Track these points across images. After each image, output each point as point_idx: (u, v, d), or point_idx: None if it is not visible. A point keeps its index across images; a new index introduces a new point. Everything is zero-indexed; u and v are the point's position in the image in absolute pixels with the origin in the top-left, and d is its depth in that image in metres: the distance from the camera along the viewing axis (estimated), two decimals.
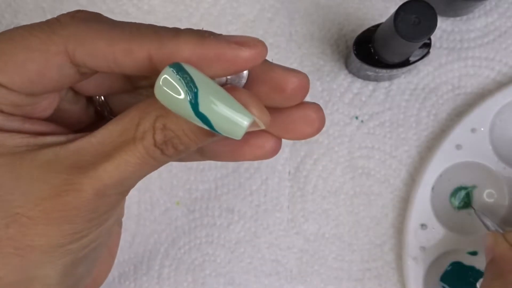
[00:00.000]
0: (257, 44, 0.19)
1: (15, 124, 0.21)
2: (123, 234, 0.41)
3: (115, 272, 0.42)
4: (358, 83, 0.41)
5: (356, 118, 0.41)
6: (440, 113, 0.40)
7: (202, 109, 0.17)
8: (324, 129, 0.23)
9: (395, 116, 0.41)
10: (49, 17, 0.44)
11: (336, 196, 0.41)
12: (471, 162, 0.39)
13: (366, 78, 0.40)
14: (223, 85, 0.20)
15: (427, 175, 0.39)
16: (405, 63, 0.36)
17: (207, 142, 0.20)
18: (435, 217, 0.39)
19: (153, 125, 0.19)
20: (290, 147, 0.41)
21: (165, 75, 0.17)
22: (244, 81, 0.21)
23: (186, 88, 0.17)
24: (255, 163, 0.41)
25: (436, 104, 0.40)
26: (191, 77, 0.17)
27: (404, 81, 0.41)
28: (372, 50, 0.36)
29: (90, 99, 0.25)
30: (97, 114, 0.25)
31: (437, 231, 0.39)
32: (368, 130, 0.41)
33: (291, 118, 0.22)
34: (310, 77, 0.22)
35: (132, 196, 0.42)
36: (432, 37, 0.34)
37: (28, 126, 0.21)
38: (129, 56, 0.19)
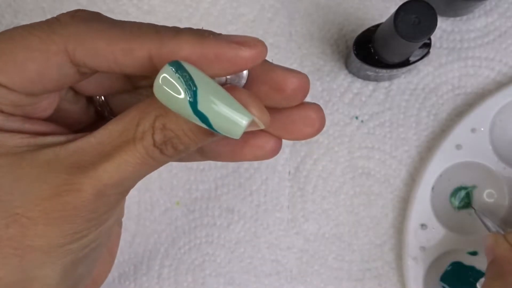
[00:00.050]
0: (257, 44, 0.19)
1: (16, 124, 0.21)
2: (123, 234, 0.41)
3: (115, 272, 0.42)
4: (358, 83, 0.41)
5: (356, 118, 0.41)
6: (440, 113, 0.40)
7: (201, 107, 0.17)
8: (324, 129, 0.23)
9: (395, 116, 0.41)
10: (49, 17, 0.44)
11: (336, 196, 0.41)
12: (471, 162, 0.39)
13: (366, 78, 0.40)
14: (222, 84, 0.20)
15: (427, 175, 0.39)
16: (405, 63, 0.36)
17: (207, 142, 0.20)
18: (435, 217, 0.39)
19: (153, 125, 0.19)
20: (290, 147, 0.41)
21: (165, 74, 0.17)
22: (244, 81, 0.21)
23: (185, 86, 0.17)
24: (255, 163, 0.41)
25: (436, 104, 0.40)
26: (190, 76, 0.17)
27: (404, 81, 0.41)
28: (372, 50, 0.36)
29: (90, 99, 0.25)
30: (98, 114, 0.25)
31: (437, 231, 0.39)
32: (368, 130, 0.41)
33: (291, 119, 0.22)
34: (310, 77, 0.22)
35: (132, 196, 0.42)
36: (432, 37, 0.34)
37: (28, 126, 0.21)
38: (129, 55, 0.19)
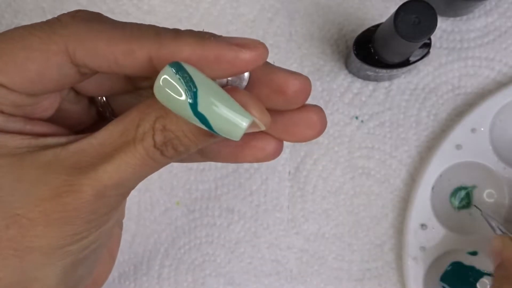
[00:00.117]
0: (258, 46, 0.19)
1: (16, 125, 0.21)
2: (123, 234, 0.41)
3: (115, 273, 0.42)
4: (358, 83, 0.41)
5: (356, 118, 0.41)
6: (440, 113, 0.40)
7: (201, 109, 0.17)
8: None
9: (395, 116, 0.41)
10: (49, 17, 0.43)
11: (336, 196, 0.41)
12: (471, 162, 0.39)
13: (366, 78, 0.40)
14: (223, 86, 0.20)
15: (427, 175, 0.39)
16: (405, 63, 0.36)
17: (207, 143, 0.20)
18: (435, 217, 0.39)
19: (153, 126, 0.19)
20: (290, 147, 0.41)
21: (165, 75, 0.17)
22: (245, 83, 0.20)
23: (185, 87, 0.17)
24: (255, 163, 0.41)
25: (436, 104, 0.40)
26: (190, 77, 0.17)
27: (404, 81, 0.41)
28: (372, 50, 0.36)
29: (92, 100, 0.25)
30: (99, 115, 0.25)
31: (437, 231, 0.39)
32: (368, 130, 0.41)
33: (292, 121, 0.22)
34: (310, 77, 0.22)
35: (132, 196, 0.42)
36: (432, 37, 0.34)
37: (29, 127, 0.21)
38: (129, 56, 0.19)
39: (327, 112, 0.41)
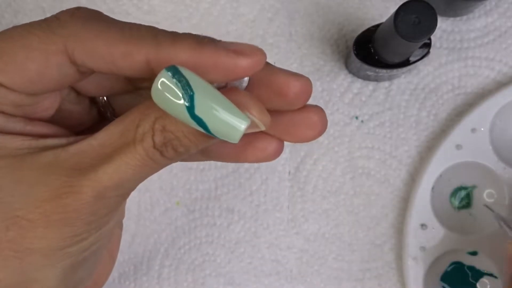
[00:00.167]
0: (255, 52, 0.19)
1: (17, 125, 0.20)
2: (123, 235, 0.41)
3: (115, 273, 0.42)
4: (358, 83, 0.41)
5: (356, 118, 0.41)
6: (440, 113, 0.40)
7: (198, 112, 0.17)
8: None
9: (395, 116, 0.41)
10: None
11: (336, 196, 0.41)
12: (471, 162, 0.39)
13: (366, 78, 0.40)
14: (223, 87, 0.20)
15: (427, 175, 0.39)
16: (405, 63, 0.36)
17: (208, 145, 0.20)
18: (435, 217, 0.39)
19: (152, 127, 0.19)
20: (290, 147, 0.41)
21: (162, 78, 0.17)
22: (245, 84, 0.20)
23: (182, 91, 0.17)
24: (255, 163, 0.41)
25: (436, 104, 0.40)
26: (187, 80, 0.17)
27: (404, 81, 0.41)
28: (372, 50, 0.36)
29: (93, 100, 0.25)
30: (100, 115, 0.25)
31: (437, 231, 0.39)
32: (368, 130, 0.41)
33: (293, 121, 0.22)
34: (310, 77, 0.22)
35: (132, 197, 0.42)
36: (432, 37, 0.34)
37: (30, 127, 0.21)
38: (127, 58, 0.19)
39: (327, 112, 0.40)
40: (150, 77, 0.19)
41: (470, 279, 0.40)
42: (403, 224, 0.40)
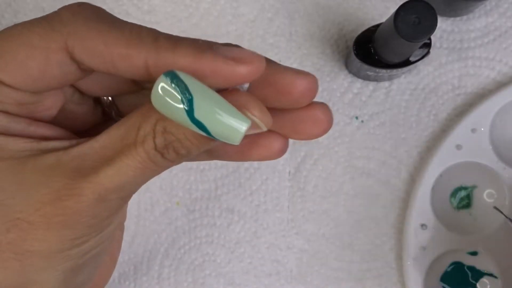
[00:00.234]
0: (254, 60, 0.18)
1: (20, 126, 0.20)
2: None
3: (115, 273, 0.42)
4: (358, 83, 0.41)
5: (356, 118, 0.41)
6: (440, 113, 0.40)
7: (197, 115, 0.17)
8: None
9: (395, 116, 0.41)
10: None
11: (336, 196, 0.41)
12: (471, 162, 0.39)
13: (366, 78, 0.40)
14: (223, 89, 0.19)
15: (427, 175, 0.39)
16: (405, 63, 0.36)
17: (209, 147, 0.20)
18: (435, 217, 0.39)
19: (153, 129, 0.19)
20: (290, 147, 0.41)
21: (160, 84, 0.17)
22: (246, 86, 0.20)
23: (181, 95, 0.17)
24: (255, 163, 0.41)
25: (436, 104, 0.40)
26: (185, 85, 0.17)
27: (404, 81, 0.41)
28: (372, 50, 0.36)
29: (97, 100, 0.25)
30: (105, 115, 0.25)
31: (437, 231, 0.39)
32: (368, 130, 0.41)
33: (298, 119, 0.21)
34: None
35: (132, 197, 0.42)
36: (432, 37, 0.34)
37: (33, 128, 0.21)
38: (126, 60, 0.19)
39: None
40: (147, 80, 0.19)
41: (470, 279, 0.40)
42: (403, 224, 0.40)
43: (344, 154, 0.41)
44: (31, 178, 0.19)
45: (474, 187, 0.40)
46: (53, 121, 0.22)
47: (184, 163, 0.41)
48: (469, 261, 0.39)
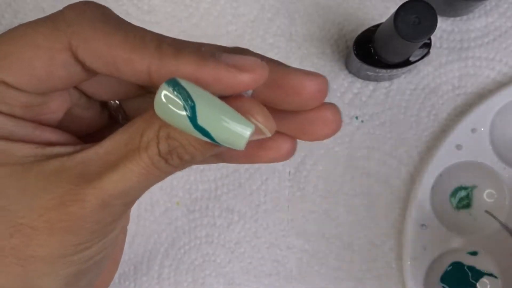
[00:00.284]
0: (256, 67, 0.18)
1: (26, 130, 0.20)
2: None
3: None
4: (358, 83, 0.41)
5: (356, 118, 0.41)
6: (440, 113, 0.40)
7: (200, 122, 0.17)
8: None
9: (395, 116, 0.41)
10: None
11: (336, 196, 0.41)
12: (471, 162, 0.39)
13: (366, 78, 0.40)
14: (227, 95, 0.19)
15: (427, 175, 0.39)
16: (405, 63, 0.36)
17: (214, 152, 0.20)
18: (435, 217, 0.39)
19: (157, 134, 0.19)
20: None
21: (163, 92, 0.17)
22: (250, 92, 0.20)
23: (183, 102, 0.17)
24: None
25: (436, 104, 0.40)
26: (187, 92, 0.17)
27: (404, 81, 0.41)
28: (372, 50, 0.36)
29: (104, 104, 0.24)
30: (111, 118, 0.25)
31: (437, 231, 0.39)
32: (368, 130, 0.41)
33: (308, 120, 0.21)
34: None
35: None
36: (432, 37, 0.34)
37: (38, 133, 0.21)
38: (128, 65, 0.19)
39: None
40: (152, 85, 0.19)
41: (470, 279, 0.40)
42: (403, 224, 0.40)
43: (344, 154, 0.41)
44: (35, 184, 0.19)
45: (474, 187, 0.40)
46: (58, 125, 0.22)
47: None
48: (469, 261, 0.39)
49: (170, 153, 0.19)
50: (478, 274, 0.39)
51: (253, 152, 0.22)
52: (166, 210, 0.42)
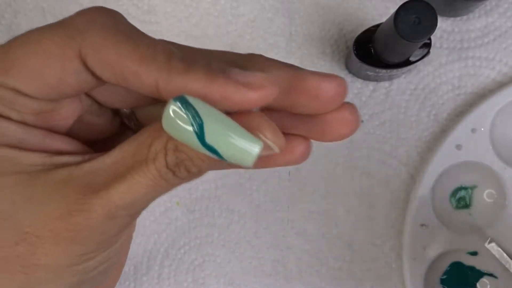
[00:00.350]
0: (265, 85, 0.18)
1: (36, 139, 0.20)
2: None
3: None
4: (358, 83, 0.41)
5: None
6: (440, 113, 0.40)
7: (208, 140, 0.17)
8: None
9: (395, 116, 0.41)
10: (49, 17, 0.43)
11: (336, 196, 0.41)
12: (471, 162, 0.39)
13: (366, 78, 0.40)
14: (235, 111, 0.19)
15: (427, 175, 0.39)
16: (405, 63, 0.36)
17: (221, 167, 0.20)
18: (435, 217, 0.39)
19: (165, 146, 0.18)
20: None
21: (171, 107, 0.17)
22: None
23: (191, 120, 0.17)
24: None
25: (436, 104, 0.40)
26: (195, 110, 0.17)
27: (404, 81, 0.41)
28: (372, 50, 0.36)
29: (116, 111, 0.24)
30: (123, 125, 0.25)
31: (437, 231, 0.39)
32: (368, 130, 0.41)
33: (326, 120, 0.21)
34: None
35: None
36: (432, 37, 0.34)
37: (48, 141, 0.21)
38: (136, 77, 0.18)
39: None
40: (159, 98, 0.19)
41: (470, 279, 0.40)
42: (403, 224, 0.40)
43: (344, 154, 0.41)
44: (42, 193, 0.19)
45: (474, 187, 0.40)
46: (69, 131, 0.22)
47: None
48: (469, 261, 0.39)
49: (177, 166, 0.19)
50: (478, 274, 0.39)
51: (267, 156, 0.22)
52: (166, 210, 0.42)
